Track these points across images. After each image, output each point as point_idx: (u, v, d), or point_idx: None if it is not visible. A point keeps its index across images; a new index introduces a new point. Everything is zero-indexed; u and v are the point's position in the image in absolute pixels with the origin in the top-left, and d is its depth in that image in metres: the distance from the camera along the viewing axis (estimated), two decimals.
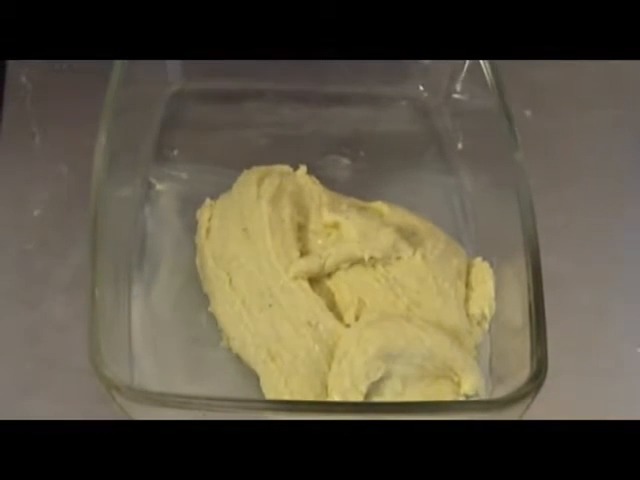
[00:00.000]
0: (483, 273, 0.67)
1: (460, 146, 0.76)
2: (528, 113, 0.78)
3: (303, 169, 0.70)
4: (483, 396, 0.62)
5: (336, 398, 0.60)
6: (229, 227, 0.67)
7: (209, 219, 0.69)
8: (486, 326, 0.66)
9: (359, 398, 0.60)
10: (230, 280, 0.65)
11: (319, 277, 0.65)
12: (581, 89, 0.80)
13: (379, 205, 0.69)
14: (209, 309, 0.66)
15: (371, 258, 0.64)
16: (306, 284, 0.64)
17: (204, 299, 0.67)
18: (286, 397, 0.61)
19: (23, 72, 0.77)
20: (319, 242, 0.67)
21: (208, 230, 0.68)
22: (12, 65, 0.77)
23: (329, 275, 0.65)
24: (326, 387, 0.61)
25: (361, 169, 0.75)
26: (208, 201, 0.70)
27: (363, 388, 0.60)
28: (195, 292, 0.67)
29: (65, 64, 0.78)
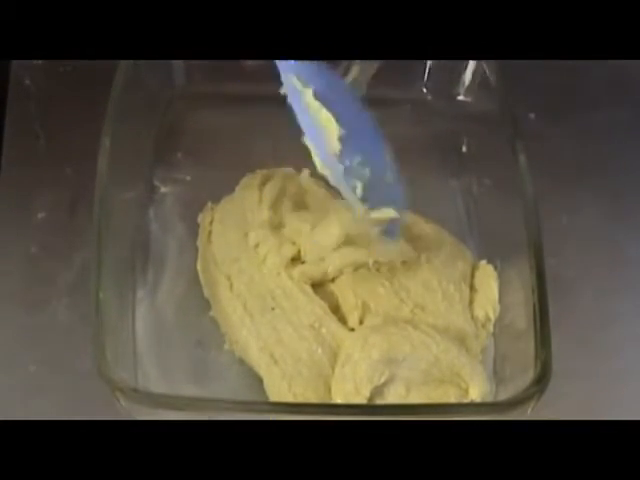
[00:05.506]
0: (487, 275, 0.67)
1: (464, 149, 0.76)
2: (532, 116, 0.78)
3: (306, 172, 0.70)
4: (488, 400, 0.62)
5: (339, 401, 0.60)
6: (231, 231, 0.67)
7: (210, 222, 0.69)
8: (490, 328, 0.66)
9: (362, 402, 0.60)
10: (231, 284, 0.65)
11: (323, 281, 0.65)
12: (584, 91, 0.80)
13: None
14: (211, 313, 0.66)
15: (375, 262, 0.64)
16: (309, 288, 0.64)
17: (208, 302, 0.67)
18: (289, 400, 0.61)
19: (27, 74, 0.77)
20: None
21: (210, 234, 0.68)
22: (16, 67, 0.77)
23: (333, 279, 0.65)
24: (329, 390, 0.61)
25: None
26: (209, 205, 0.70)
27: (366, 392, 0.60)
28: (199, 295, 0.67)
29: (69, 66, 0.78)
